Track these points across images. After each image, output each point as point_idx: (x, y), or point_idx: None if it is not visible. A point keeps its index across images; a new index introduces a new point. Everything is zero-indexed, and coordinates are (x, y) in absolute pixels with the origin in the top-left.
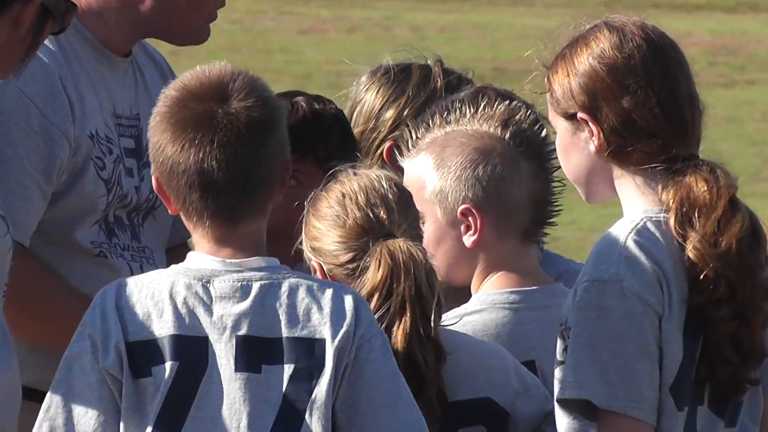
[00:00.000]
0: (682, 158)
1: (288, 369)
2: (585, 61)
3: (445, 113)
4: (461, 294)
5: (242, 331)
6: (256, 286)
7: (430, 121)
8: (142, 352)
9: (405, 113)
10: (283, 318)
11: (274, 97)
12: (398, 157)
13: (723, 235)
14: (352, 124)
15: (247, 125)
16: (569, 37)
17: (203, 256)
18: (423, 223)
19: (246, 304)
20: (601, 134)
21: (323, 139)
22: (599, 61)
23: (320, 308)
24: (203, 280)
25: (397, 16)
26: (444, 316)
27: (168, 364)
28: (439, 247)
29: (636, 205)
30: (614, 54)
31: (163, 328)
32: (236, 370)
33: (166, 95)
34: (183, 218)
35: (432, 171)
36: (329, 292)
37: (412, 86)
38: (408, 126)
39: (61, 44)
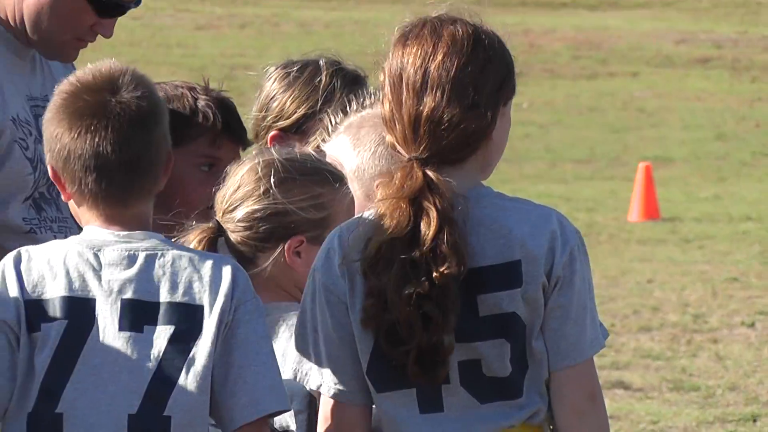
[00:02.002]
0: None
1: (168, 330)
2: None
3: (362, 99)
4: None
5: (127, 295)
6: (141, 256)
7: (348, 108)
8: (36, 310)
9: (288, 105)
10: (165, 284)
11: (157, 92)
12: (320, 142)
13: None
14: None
15: (138, 113)
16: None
17: (97, 228)
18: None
19: (132, 271)
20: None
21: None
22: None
23: (200, 277)
24: (94, 249)
25: (285, 13)
26: None
27: (57, 322)
28: None
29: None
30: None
31: (55, 289)
32: (120, 329)
33: (60, 90)
34: (75, 201)
35: (350, 150)
36: (209, 262)
37: (300, 82)
38: (327, 114)
39: None
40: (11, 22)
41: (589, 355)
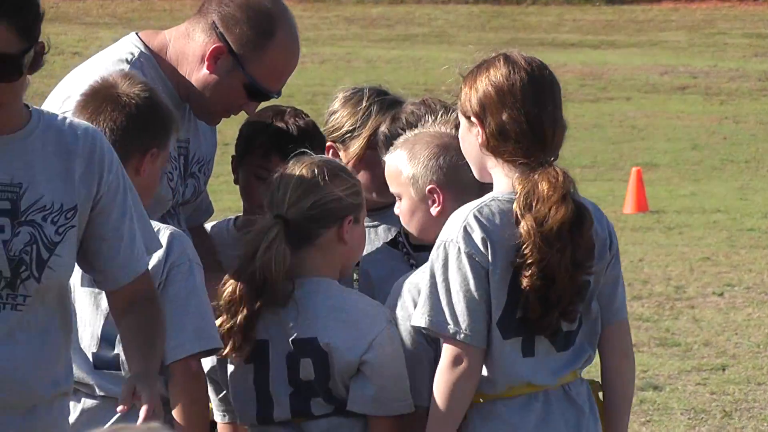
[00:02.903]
0: (540, 161)
1: None
2: (483, 80)
3: (414, 119)
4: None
5: None
6: None
7: (405, 126)
8: None
9: (338, 121)
10: None
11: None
12: (380, 152)
13: (548, 218)
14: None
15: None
16: (480, 60)
17: None
18: (400, 199)
19: None
20: (484, 135)
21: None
22: (491, 83)
23: None
24: None
25: (356, 51)
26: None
27: None
28: (413, 217)
29: (497, 187)
30: (502, 80)
31: None
32: (81, 285)
33: None
34: None
35: (406, 162)
36: (159, 233)
37: (348, 104)
38: (387, 130)
39: None
40: (176, 78)
41: (627, 312)
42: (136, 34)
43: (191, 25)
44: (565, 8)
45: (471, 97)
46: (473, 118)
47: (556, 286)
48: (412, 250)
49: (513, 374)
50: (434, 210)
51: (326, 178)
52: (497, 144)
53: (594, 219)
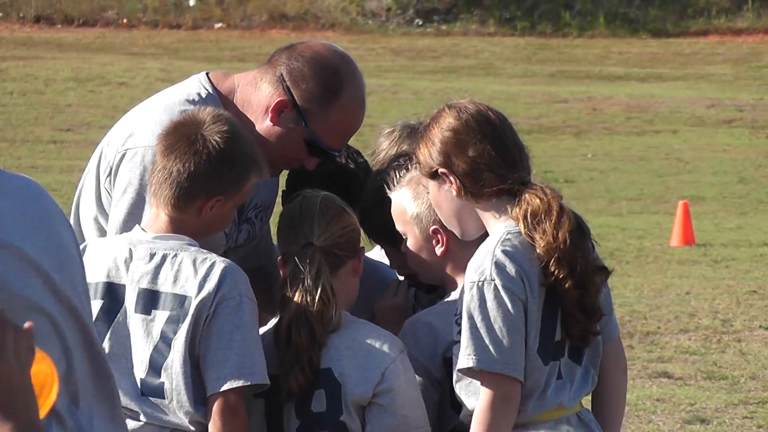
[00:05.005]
0: (519, 183)
1: (165, 314)
2: (436, 132)
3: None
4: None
5: (143, 285)
6: (159, 254)
7: (410, 164)
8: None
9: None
10: (170, 278)
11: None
12: (386, 190)
13: (559, 232)
14: None
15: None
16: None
17: (139, 229)
18: (405, 238)
19: (150, 265)
20: (457, 181)
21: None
22: (446, 129)
23: (196, 274)
24: (131, 245)
25: (402, 83)
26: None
27: (96, 302)
28: (418, 256)
29: (497, 227)
30: (455, 123)
31: (98, 275)
32: (135, 312)
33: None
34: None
35: (411, 201)
36: (208, 262)
37: (383, 137)
38: (393, 168)
39: None
40: (241, 123)
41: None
42: (206, 74)
43: (260, 74)
44: (611, 41)
45: (430, 152)
46: (440, 170)
47: (587, 291)
48: (424, 289)
49: (553, 398)
50: (438, 250)
51: (345, 208)
52: (473, 182)
53: None
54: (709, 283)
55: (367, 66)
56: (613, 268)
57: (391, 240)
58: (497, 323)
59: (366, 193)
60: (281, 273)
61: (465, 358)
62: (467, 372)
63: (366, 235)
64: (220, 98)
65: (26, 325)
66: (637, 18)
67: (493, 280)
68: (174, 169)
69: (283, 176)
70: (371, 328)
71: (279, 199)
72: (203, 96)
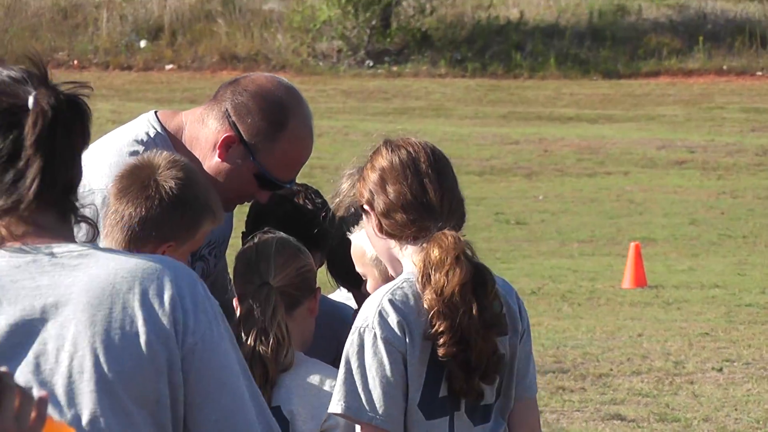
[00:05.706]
0: (430, 229)
1: None
2: (368, 170)
3: None
4: None
5: None
6: None
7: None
8: None
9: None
10: None
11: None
12: (347, 232)
13: (447, 284)
14: None
15: None
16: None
17: None
18: (365, 280)
19: None
20: (375, 218)
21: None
22: (376, 168)
23: None
24: None
25: (353, 125)
26: None
27: None
28: None
29: (406, 267)
30: (384, 162)
31: None
32: None
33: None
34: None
35: (369, 243)
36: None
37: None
38: (354, 208)
39: None
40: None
41: (537, 390)
42: (155, 113)
43: (206, 111)
44: (562, 82)
45: (362, 188)
46: (365, 207)
47: (471, 349)
48: None
49: None
50: None
51: (300, 249)
52: (388, 221)
53: (504, 292)
54: (661, 324)
55: (318, 107)
56: (565, 311)
57: (357, 283)
58: (371, 372)
59: (331, 237)
60: (237, 312)
61: (335, 403)
62: (340, 416)
63: (333, 279)
64: (169, 137)
65: (40, 393)
66: (588, 59)
67: (374, 329)
68: (126, 212)
69: (242, 217)
70: (321, 367)
71: (239, 239)
72: (152, 135)
